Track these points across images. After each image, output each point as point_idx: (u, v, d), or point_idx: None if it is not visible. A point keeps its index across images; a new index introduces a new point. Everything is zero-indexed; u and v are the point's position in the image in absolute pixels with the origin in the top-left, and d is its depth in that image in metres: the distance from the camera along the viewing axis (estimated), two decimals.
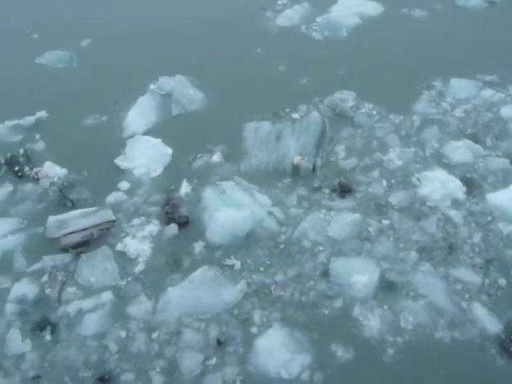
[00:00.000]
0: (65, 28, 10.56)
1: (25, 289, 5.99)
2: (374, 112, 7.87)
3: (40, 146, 7.73)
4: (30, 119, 8.12)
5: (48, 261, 6.21)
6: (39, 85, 8.99)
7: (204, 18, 10.14)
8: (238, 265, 6.01)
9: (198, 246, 6.17)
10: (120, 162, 7.25)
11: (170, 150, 7.34)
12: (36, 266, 6.19)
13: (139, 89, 8.51)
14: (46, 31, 10.50)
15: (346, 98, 8.05)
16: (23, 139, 7.84)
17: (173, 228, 6.26)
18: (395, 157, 7.11)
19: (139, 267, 6.02)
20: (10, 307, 5.84)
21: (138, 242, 6.17)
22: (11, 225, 6.63)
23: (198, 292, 5.72)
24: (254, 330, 5.45)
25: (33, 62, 9.61)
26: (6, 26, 10.71)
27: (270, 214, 6.43)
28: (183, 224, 6.32)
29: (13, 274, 6.14)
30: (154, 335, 5.45)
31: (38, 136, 7.92)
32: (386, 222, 6.34)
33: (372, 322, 5.40)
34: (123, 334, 5.49)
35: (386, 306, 5.55)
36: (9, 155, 7.47)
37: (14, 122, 8.10)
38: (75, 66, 9.42)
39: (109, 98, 8.39)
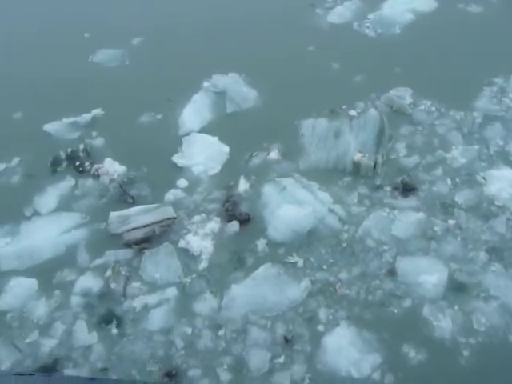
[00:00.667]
0: (115, 27, 10.68)
1: (89, 282, 6.09)
2: (433, 109, 7.66)
3: (99, 142, 7.83)
4: (86, 117, 8.24)
5: (111, 256, 6.29)
6: (93, 83, 9.10)
7: (254, 14, 10.07)
8: (300, 262, 5.95)
9: (260, 244, 6.13)
10: (177, 159, 7.28)
11: (226, 148, 7.33)
12: (99, 261, 6.28)
13: (193, 86, 8.51)
14: (97, 30, 10.64)
15: (402, 95, 7.88)
16: (81, 136, 7.95)
17: (234, 225, 6.25)
18: (458, 155, 6.91)
19: (203, 264, 6.02)
20: (75, 300, 5.95)
21: (200, 240, 6.18)
22: (75, 220, 6.75)
23: (261, 289, 5.69)
24: (320, 328, 5.38)
25: (86, 60, 9.75)
26: (57, 25, 10.91)
27: (332, 211, 6.35)
28: (244, 221, 6.29)
29: (77, 268, 6.25)
30: (221, 332, 5.44)
31: (94, 133, 8.02)
32: (452, 221, 6.16)
33: (443, 323, 5.25)
34: (189, 330, 5.50)
35: (456, 307, 5.40)
36: (69, 150, 7.61)
37: (71, 119, 8.22)
38: (128, 64, 9.51)
39: (162, 96, 8.43)
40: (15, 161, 7.67)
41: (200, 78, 8.71)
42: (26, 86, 9.22)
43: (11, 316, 5.90)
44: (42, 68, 9.66)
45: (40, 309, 5.94)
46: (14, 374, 2.65)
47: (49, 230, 6.69)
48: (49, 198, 7.11)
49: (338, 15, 9.97)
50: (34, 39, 10.57)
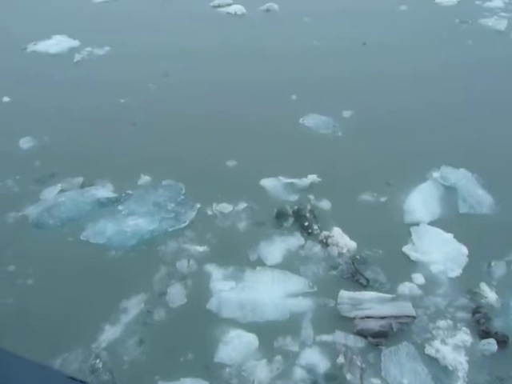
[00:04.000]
0: (323, 93, 10.97)
1: (315, 359, 5.60)
2: None
3: (325, 207, 7.66)
4: (304, 180, 8.13)
5: (340, 338, 5.78)
6: (306, 146, 9.16)
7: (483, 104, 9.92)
8: None
9: None
10: (409, 251, 6.81)
11: (465, 249, 6.76)
12: (326, 338, 5.81)
13: (417, 173, 8.24)
14: (304, 94, 10.94)
15: None
16: (299, 200, 7.79)
17: (491, 344, 5.53)
18: None
19: (459, 383, 5.31)
20: (299, 373, 5.47)
21: (452, 351, 5.52)
22: (301, 285, 6.40)
23: None
24: None
25: (297, 121, 9.93)
26: (266, 86, 11.44)
27: None
28: (502, 342, 5.65)
29: (301, 339, 5.80)
30: None
31: (312, 197, 7.85)
32: None
33: None
34: None
35: None
36: (295, 207, 7.52)
37: (289, 180, 8.16)
38: (340, 135, 9.49)
39: (381, 178, 8.20)
40: (241, 205, 7.69)
41: (425, 166, 8.41)
42: (240, 135, 9.53)
43: (229, 371, 5.52)
44: (253, 119, 10.02)
45: (261, 372, 5.50)
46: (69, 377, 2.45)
47: (273, 287, 6.40)
48: (274, 249, 6.94)
49: None
50: (246, 92, 11.19)
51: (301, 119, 9.98)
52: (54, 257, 6.97)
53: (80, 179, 8.48)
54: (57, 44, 14.74)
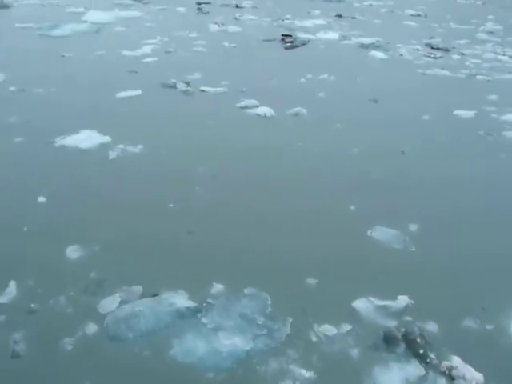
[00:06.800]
0: (381, 202, 10.86)
1: None
2: None
3: (431, 332, 7.14)
4: (398, 303, 7.61)
5: None
6: (385, 262, 8.75)
7: None
8: None
9: None
10: None
11: None
12: None
13: (509, 294, 7.99)
14: (361, 203, 10.71)
15: None
16: (400, 323, 7.25)
17: None
18: None
19: None
20: None
21: None
22: None
23: None
24: None
25: (364, 235, 9.63)
26: (317, 191, 11.27)
27: None
28: None
29: None
30: None
31: (410, 319, 7.33)
32: None
33: None
34: None
35: None
36: (403, 330, 7.01)
37: (381, 302, 7.63)
38: (414, 251, 9.16)
39: (474, 301, 7.84)
40: (344, 328, 7.14)
41: None
42: (308, 246, 9.16)
43: None
44: (316, 229, 9.79)
45: None
46: None
47: None
48: (392, 378, 6.31)
49: None
50: (298, 197, 11.04)
51: (368, 232, 9.74)
52: (142, 378, 6.22)
53: (139, 288, 7.76)
54: (87, 139, 14.20)
